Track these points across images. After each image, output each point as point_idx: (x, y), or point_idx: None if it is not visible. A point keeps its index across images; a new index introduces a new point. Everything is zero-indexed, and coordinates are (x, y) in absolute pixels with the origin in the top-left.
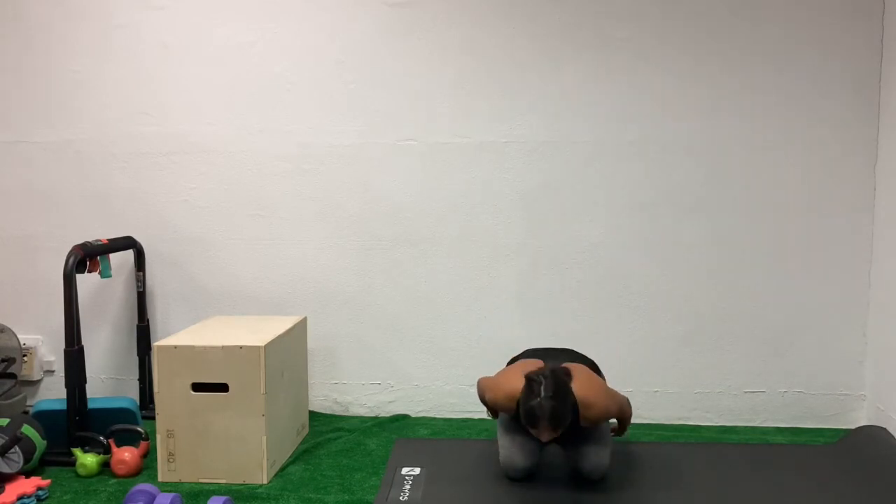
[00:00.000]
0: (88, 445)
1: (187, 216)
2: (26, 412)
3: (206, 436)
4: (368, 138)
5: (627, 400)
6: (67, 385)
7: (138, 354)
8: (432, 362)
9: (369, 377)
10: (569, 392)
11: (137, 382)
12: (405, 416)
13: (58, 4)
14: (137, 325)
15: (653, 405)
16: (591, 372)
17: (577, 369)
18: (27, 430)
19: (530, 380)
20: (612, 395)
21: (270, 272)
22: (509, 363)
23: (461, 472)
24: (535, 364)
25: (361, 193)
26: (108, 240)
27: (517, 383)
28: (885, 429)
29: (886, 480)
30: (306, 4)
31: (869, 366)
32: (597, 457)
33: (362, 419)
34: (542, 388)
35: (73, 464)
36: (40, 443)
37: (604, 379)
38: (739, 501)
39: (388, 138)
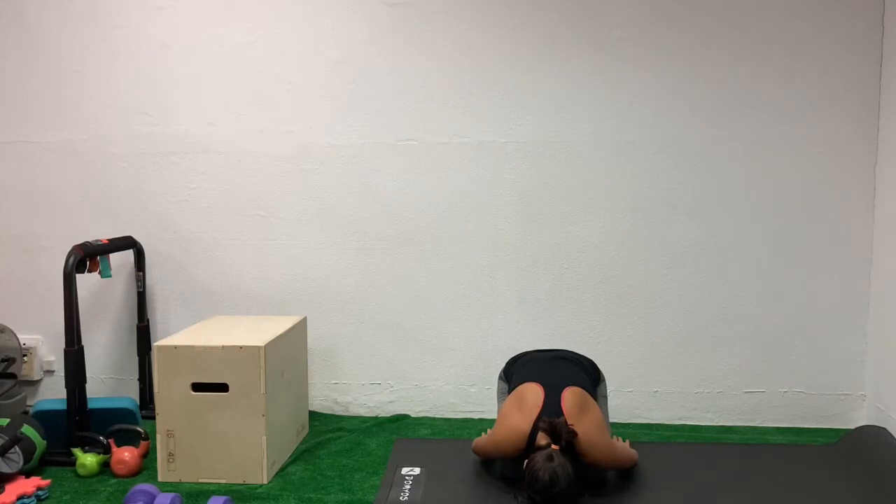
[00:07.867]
0: (88, 445)
1: (187, 216)
2: (26, 412)
3: (206, 436)
4: (368, 138)
5: (634, 454)
6: (67, 385)
7: (138, 354)
8: (432, 362)
9: (369, 377)
10: (572, 477)
11: (137, 382)
12: (405, 416)
13: (58, 4)
14: (137, 325)
15: (653, 405)
16: (600, 415)
17: (586, 417)
18: (27, 430)
19: (535, 465)
20: (617, 446)
21: (270, 272)
22: (508, 363)
23: (461, 472)
24: (531, 402)
25: (361, 193)
26: (108, 240)
27: (516, 424)
28: (885, 429)
29: (886, 480)
30: (306, 4)
31: (869, 366)
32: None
33: (362, 419)
34: (548, 475)
35: (73, 464)
36: (40, 443)
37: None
38: (739, 501)
39: (388, 138)
